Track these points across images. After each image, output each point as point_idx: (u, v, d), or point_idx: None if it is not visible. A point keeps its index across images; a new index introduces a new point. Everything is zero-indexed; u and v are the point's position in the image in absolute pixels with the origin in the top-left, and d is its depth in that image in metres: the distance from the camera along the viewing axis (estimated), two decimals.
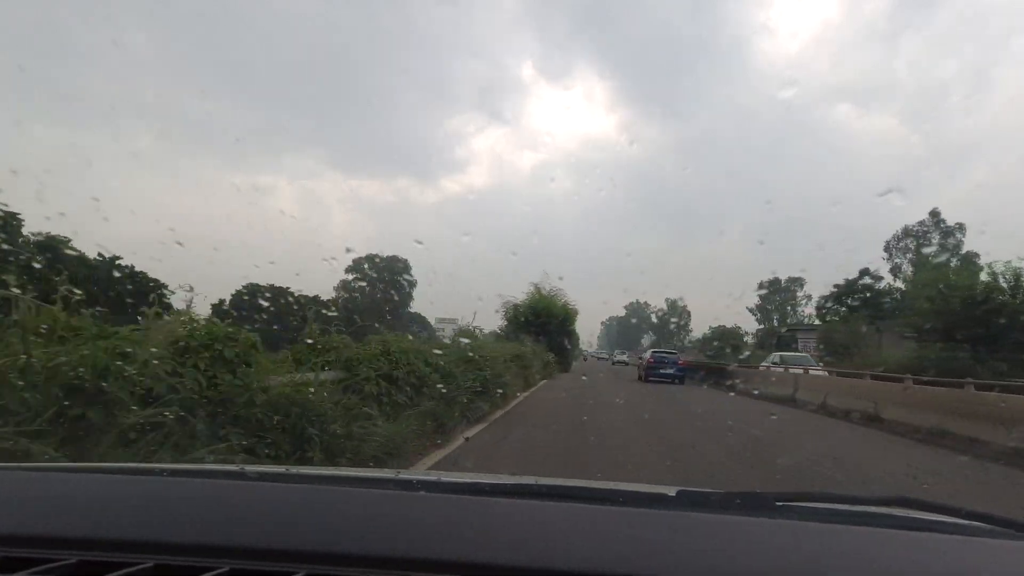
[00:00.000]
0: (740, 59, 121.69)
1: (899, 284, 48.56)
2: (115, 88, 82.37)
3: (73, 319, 3.98)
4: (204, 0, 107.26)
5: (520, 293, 30.43)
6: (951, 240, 48.15)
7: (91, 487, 1.00)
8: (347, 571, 0.71)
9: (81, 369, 3.35)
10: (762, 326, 65.04)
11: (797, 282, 69.28)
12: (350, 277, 66.37)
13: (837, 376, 17.80)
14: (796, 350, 33.49)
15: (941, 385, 12.06)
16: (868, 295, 44.57)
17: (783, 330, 53.78)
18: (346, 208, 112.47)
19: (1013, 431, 8.24)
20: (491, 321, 27.52)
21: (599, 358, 62.50)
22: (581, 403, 14.28)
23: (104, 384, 3.38)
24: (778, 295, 70.80)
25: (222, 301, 34.88)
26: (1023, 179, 75.94)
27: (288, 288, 28.46)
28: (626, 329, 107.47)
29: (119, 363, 3.57)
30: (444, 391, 8.48)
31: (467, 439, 7.66)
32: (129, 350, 3.75)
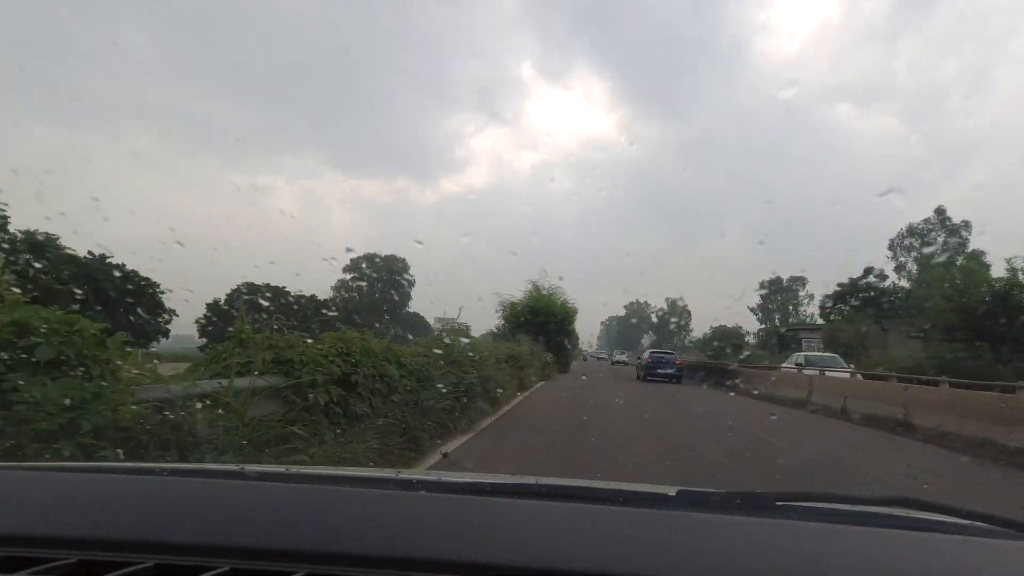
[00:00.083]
0: (740, 59, 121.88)
1: (904, 283, 48.29)
2: (115, 88, 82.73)
3: None
4: (204, 0, 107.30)
5: (519, 292, 29.26)
6: (956, 238, 47.79)
7: (91, 487, 1.00)
8: (347, 571, 0.71)
9: None
10: (763, 326, 65.06)
11: (799, 281, 69.31)
12: (348, 277, 66.42)
13: (859, 378, 16.56)
14: (800, 349, 33.06)
15: (980, 388, 11.01)
16: (872, 294, 44.41)
17: (783, 329, 53.72)
18: (346, 208, 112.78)
19: None
20: (490, 321, 27.05)
21: (599, 358, 62.55)
22: (580, 403, 14.27)
23: None
24: (780, 295, 70.77)
25: (216, 300, 34.93)
26: (1023, 179, 76.04)
27: (284, 287, 28.42)
28: (626, 329, 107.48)
29: None
30: (419, 398, 7.44)
31: (444, 455, 6.62)
32: None
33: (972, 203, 75.99)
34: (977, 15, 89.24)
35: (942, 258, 45.32)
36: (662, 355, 25.97)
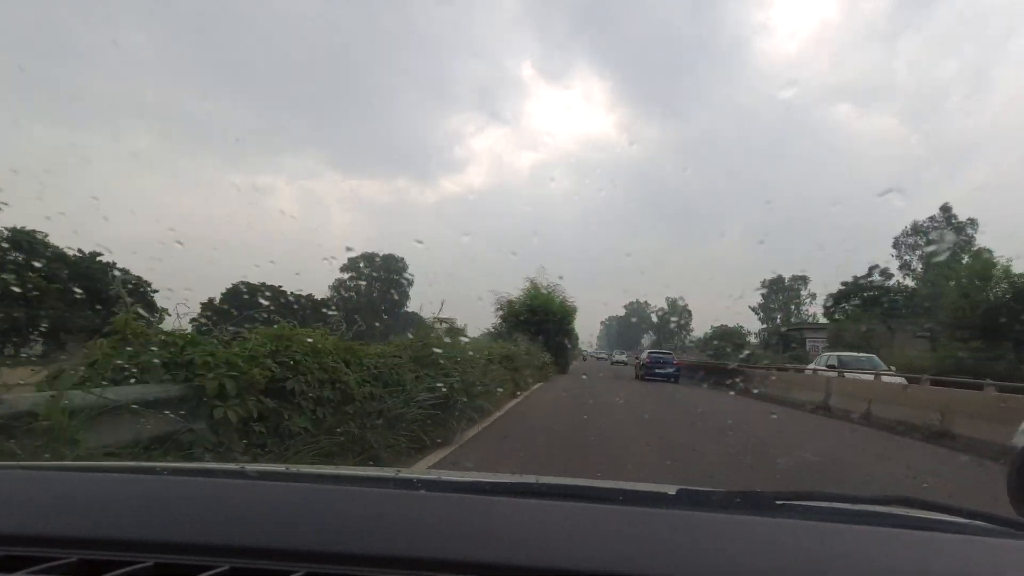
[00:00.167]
0: (740, 59, 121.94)
1: (909, 282, 47.88)
2: (115, 88, 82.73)
3: None
4: (204, 0, 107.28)
5: (517, 291, 28.22)
6: (962, 236, 47.09)
7: (91, 486, 1.00)
8: (347, 570, 0.71)
9: None
10: (765, 325, 65.05)
11: (801, 280, 69.19)
12: (346, 276, 66.45)
13: (882, 381, 14.58)
14: (804, 349, 32.56)
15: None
16: (876, 293, 44.15)
17: (783, 328, 53.66)
18: (346, 208, 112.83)
19: None
20: (489, 320, 26.58)
21: (598, 358, 62.68)
22: (580, 403, 14.26)
23: None
24: (782, 294, 70.68)
25: (211, 299, 34.90)
26: (1023, 179, 76.00)
27: (280, 287, 28.35)
28: (626, 329, 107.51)
29: None
30: (384, 407, 6.09)
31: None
32: None
33: (972, 203, 76.26)
34: (977, 15, 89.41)
35: (942, 257, 44.94)
36: (660, 355, 26.91)
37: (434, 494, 1.02)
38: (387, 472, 1.56)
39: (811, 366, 19.84)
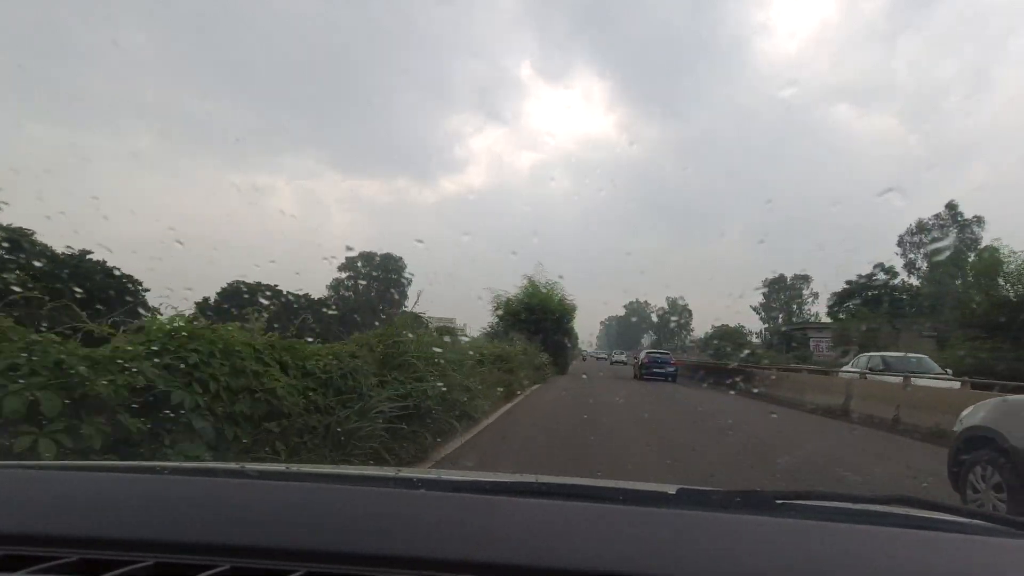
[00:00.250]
0: (740, 59, 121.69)
1: (914, 280, 47.36)
2: (115, 88, 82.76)
3: None
4: (204, 0, 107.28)
5: (515, 289, 27.11)
6: (968, 234, 46.51)
7: (91, 486, 1.00)
8: (347, 569, 0.71)
9: None
10: (766, 325, 64.99)
11: (803, 280, 68.97)
12: (344, 275, 66.40)
13: (911, 384, 12.42)
14: (807, 349, 32.02)
15: None
16: (879, 292, 43.82)
17: (783, 328, 53.55)
18: (345, 208, 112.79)
19: None
20: (487, 319, 26.24)
21: (598, 358, 62.76)
22: (580, 403, 14.27)
23: None
24: (783, 293, 70.53)
25: (206, 299, 34.83)
26: (1023, 179, 75.99)
27: (276, 286, 28.24)
28: (626, 329, 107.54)
29: None
30: (332, 420, 5.17)
31: None
32: None
33: (972, 203, 75.43)
34: (977, 15, 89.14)
35: (946, 255, 44.40)
36: (658, 355, 27.83)
37: (434, 493, 1.02)
38: (387, 471, 1.56)
39: (847, 369, 17.31)
